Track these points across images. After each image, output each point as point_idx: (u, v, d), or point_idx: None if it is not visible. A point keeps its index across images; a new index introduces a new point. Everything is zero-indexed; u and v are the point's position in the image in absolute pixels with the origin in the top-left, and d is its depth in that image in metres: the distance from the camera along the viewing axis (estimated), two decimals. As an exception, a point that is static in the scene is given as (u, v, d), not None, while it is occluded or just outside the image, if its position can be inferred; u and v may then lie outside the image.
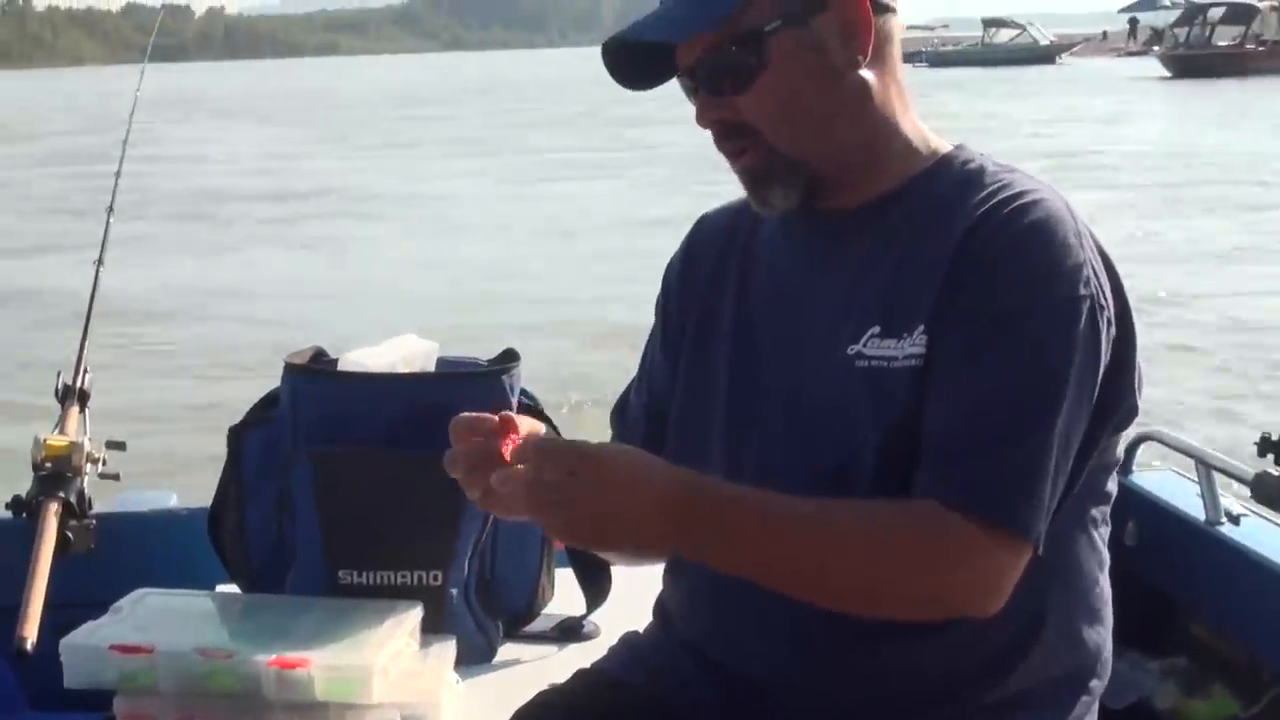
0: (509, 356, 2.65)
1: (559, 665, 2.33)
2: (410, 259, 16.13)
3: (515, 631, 2.70)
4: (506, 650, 2.66)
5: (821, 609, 1.68)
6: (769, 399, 1.83)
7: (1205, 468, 2.73)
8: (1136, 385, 1.77)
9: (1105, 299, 1.70)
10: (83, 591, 2.52)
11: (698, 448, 1.88)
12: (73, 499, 2.71)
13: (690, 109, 1.81)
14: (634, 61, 1.83)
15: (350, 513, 2.54)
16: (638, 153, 28.31)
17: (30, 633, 2.40)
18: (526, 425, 1.82)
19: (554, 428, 2.45)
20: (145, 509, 3.10)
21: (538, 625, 2.73)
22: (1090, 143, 26.85)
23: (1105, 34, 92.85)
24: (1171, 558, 2.79)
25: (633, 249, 15.00)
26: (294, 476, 2.56)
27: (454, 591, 2.56)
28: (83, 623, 2.32)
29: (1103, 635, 1.85)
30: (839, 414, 1.74)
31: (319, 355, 2.69)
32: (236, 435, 2.67)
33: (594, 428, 1.82)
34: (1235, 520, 2.68)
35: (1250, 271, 13.92)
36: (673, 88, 1.86)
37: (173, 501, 3.18)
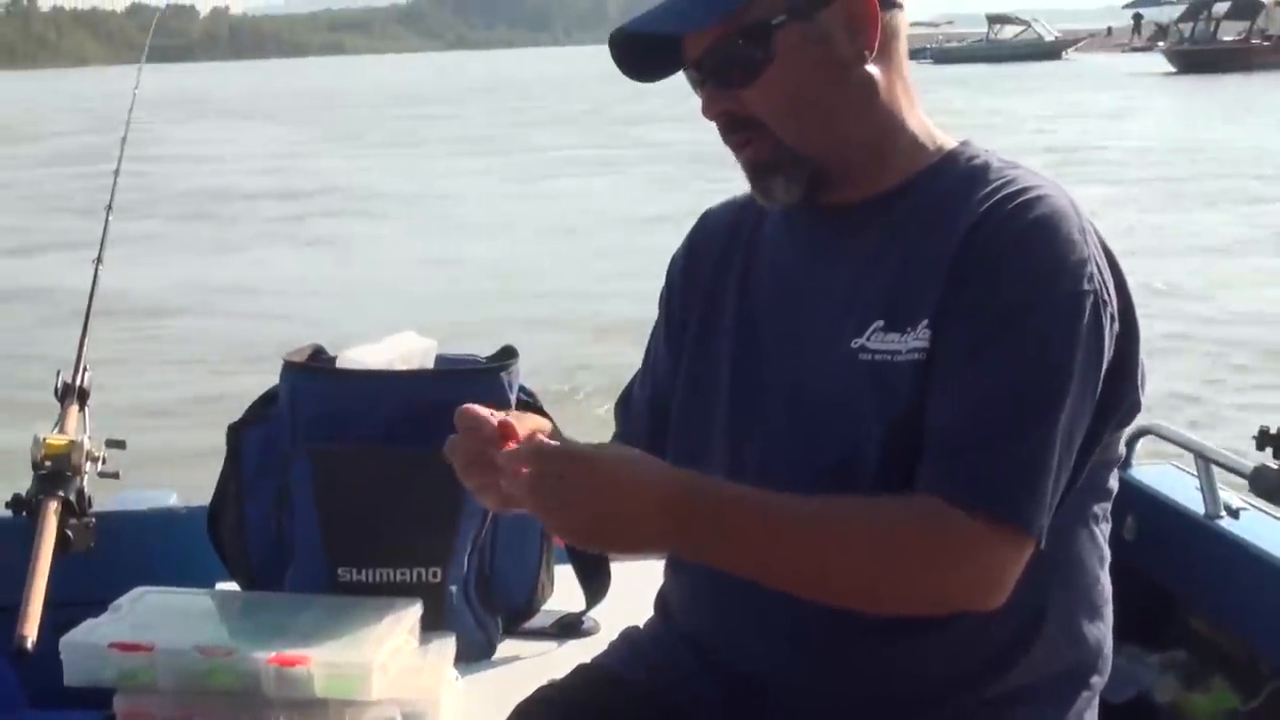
0: (507, 353, 2.65)
1: (559, 661, 2.34)
2: (414, 256, 16.12)
3: (515, 628, 2.70)
4: (506, 647, 2.66)
5: (823, 606, 1.68)
6: (771, 394, 1.83)
7: (1204, 461, 2.73)
8: (1139, 381, 1.77)
9: (1109, 295, 1.70)
10: (82, 590, 2.52)
11: (700, 443, 1.88)
12: (72, 497, 2.71)
13: (693, 106, 1.81)
14: (641, 54, 1.83)
15: (349, 510, 2.55)
16: (641, 150, 28.30)
17: (30, 631, 2.40)
18: (530, 423, 1.82)
19: (553, 424, 2.45)
20: (145, 507, 3.10)
21: (537, 622, 2.73)
22: (1094, 138, 26.82)
23: (1110, 30, 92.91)
24: (1170, 551, 2.78)
25: (635, 245, 15.00)
26: (293, 474, 2.57)
27: (453, 588, 2.57)
28: (83, 621, 2.33)
29: (1103, 631, 1.85)
30: (842, 409, 1.74)
31: (318, 353, 2.70)
32: (235, 433, 2.67)
33: (595, 420, 1.82)
34: (1234, 514, 2.68)
35: (1251, 264, 13.93)
36: (676, 84, 1.86)
37: (172, 500, 3.18)
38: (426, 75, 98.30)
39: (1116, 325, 1.71)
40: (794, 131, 1.77)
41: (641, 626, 2.04)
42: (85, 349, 3.03)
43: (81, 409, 2.94)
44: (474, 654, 2.57)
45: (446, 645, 2.44)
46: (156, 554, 2.89)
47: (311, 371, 2.63)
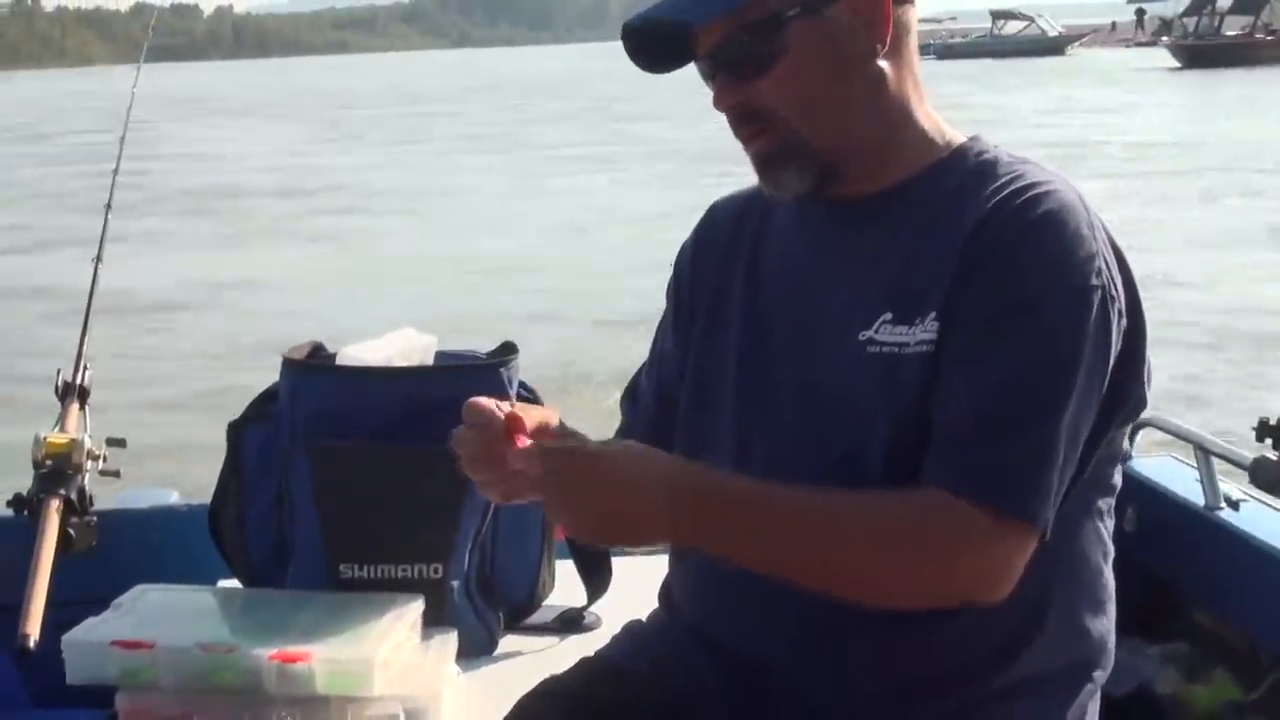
0: (507, 349, 2.65)
1: (560, 656, 2.33)
2: (417, 253, 16.15)
3: (516, 623, 2.70)
4: (508, 642, 2.66)
5: (828, 597, 1.68)
6: (779, 386, 1.83)
7: (1204, 453, 2.73)
8: (1145, 377, 1.78)
9: (1117, 290, 1.71)
10: (84, 588, 2.52)
11: (707, 434, 1.89)
12: (74, 496, 2.72)
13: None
14: (654, 45, 1.83)
15: (350, 507, 2.55)
16: (642, 147, 28.30)
17: (32, 630, 2.41)
18: (537, 414, 1.82)
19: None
20: (146, 505, 3.11)
21: (539, 617, 2.73)
22: (1097, 133, 26.81)
23: (1114, 24, 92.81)
24: (1171, 543, 2.78)
25: (637, 241, 15.04)
26: (293, 471, 2.57)
27: (455, 584, 2.57)
28: (84, 619, 2.32)
29: (1106, 626, 1.85)
30: (849, 401, 1.75)
31: (317, 350, 2.70)
32: (236, 431, 2.67)
33: (598, 415, 1.82)
34: (1234, 505, 2.68)
35: (1250, 258, 13.93)
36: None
37: (173, 498, 3.18)
38: (430, 73, 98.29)
39: (1124, 320, 1.72)
40: (805, 124, 1.77)
41: (645, 619, 2.05)
42: (85, 347, 3.04)
43: (82, 407, 2.94)
44: (475, 650, 2.57)
45: (448, 641, 2.43)
46: (158, 552, 2.89)
47: (311, 369, 2.63)
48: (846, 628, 1.74)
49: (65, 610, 2.42)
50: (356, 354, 2.61)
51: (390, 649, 2.26)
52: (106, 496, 2.97)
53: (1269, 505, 2.68)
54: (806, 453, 1.77)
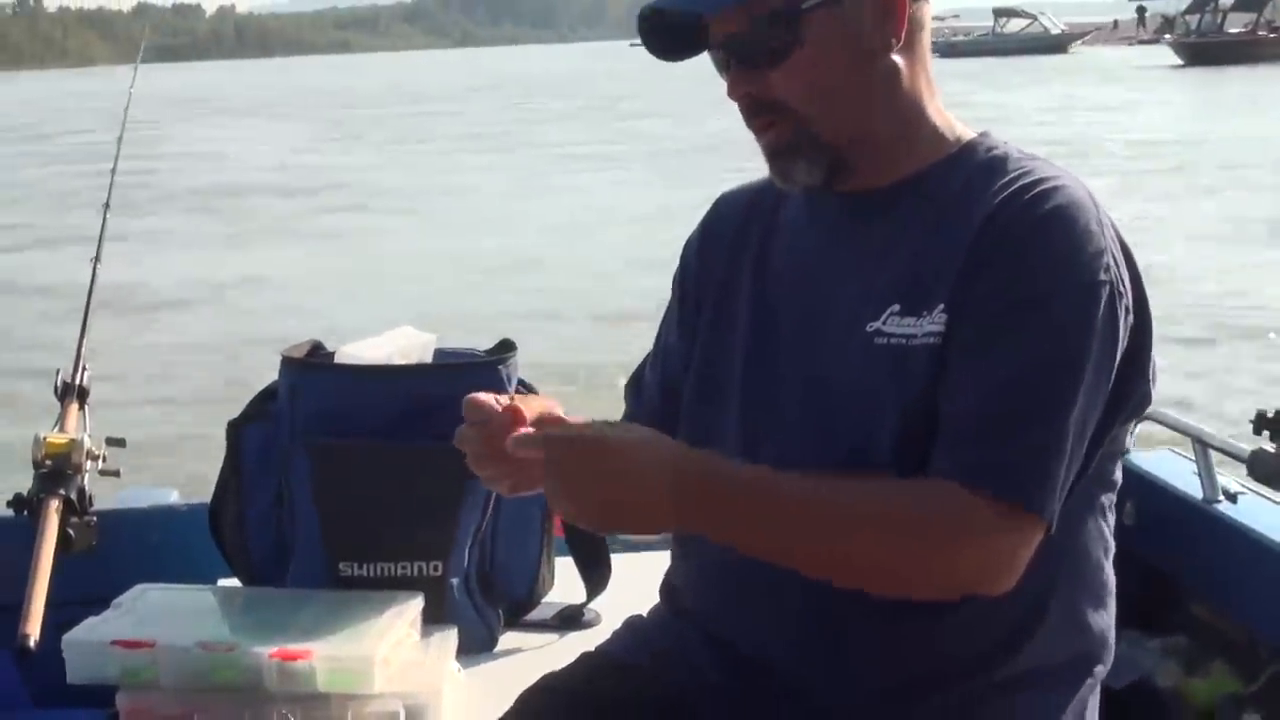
0: (506, 347, 2.66)
1: (560, 653, 2.33)
2: (419, 251, 16.15)
3: (516, 620, 2.70)
4: (507, 639, 2.66)
5: (832, 588, 1.69)
6: (786, 378, 1.83)
7: (1202, 446, 2.74)
8: (1151, 375, 1.78)
9: (1124, 286, 1.71)
10: (84, 588, 2.53)
11: (712, 425, 1.89)
12: (73, 496, 2.72)
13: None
14: (669, 33, 1.84)
15: (349, 505, 2.55)
16: (644, 144, 28.27)
17: (33, 630, 2.41)
18: (538, 404, 1.82)
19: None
20: (145, 505, 3.11)
21: (538, 614, 2.73)
22: (1099, 130, 26.79)
23: (1116, 23, 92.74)
24: (1169, 536, 2.79)
25: (638, 238, 15.05)
26: (293, 470, 2.57)
27: (454, 581, 2.57)
28: (84, 619, 2.33)
29: (1107, 621, 1.86)
30: (857, 393, 1.75)
31: (316, 349, 2.70)
32: (235, 430, 2.67)
33: (598, 411, 1.82)
34: (1232, 498, 2.68)
35: (1250, 253, 13.96)
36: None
37: (173, 497, 3.19)
38: (432, 72, 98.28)
39: (1131, 317, 1.72)
40: (818, 116, 1.78)
41: (645, 615, 2.05)
42: (84, 347, 3.04)
43: (81, 407, 2.95)
44: (476, 647, 2.57)
45: (448, 638, 2.44)
46: (158, 551, 2.89)
47: (310, 367, 2.63)
48: (849, 620, 1.75)
49: (65, 610, 2.42)
50: (355, 352, 2.61)
51: (390, 646, 2.27)
52: (106, 496, 2.97)
53: (1267, 498, 2.69)
54: (814, 450, 1.77)
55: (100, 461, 2.83)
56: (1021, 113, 30.25)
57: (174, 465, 6.72)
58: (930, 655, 1.77)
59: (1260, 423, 2.71)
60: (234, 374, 9.26)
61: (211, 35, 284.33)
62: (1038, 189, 1.73)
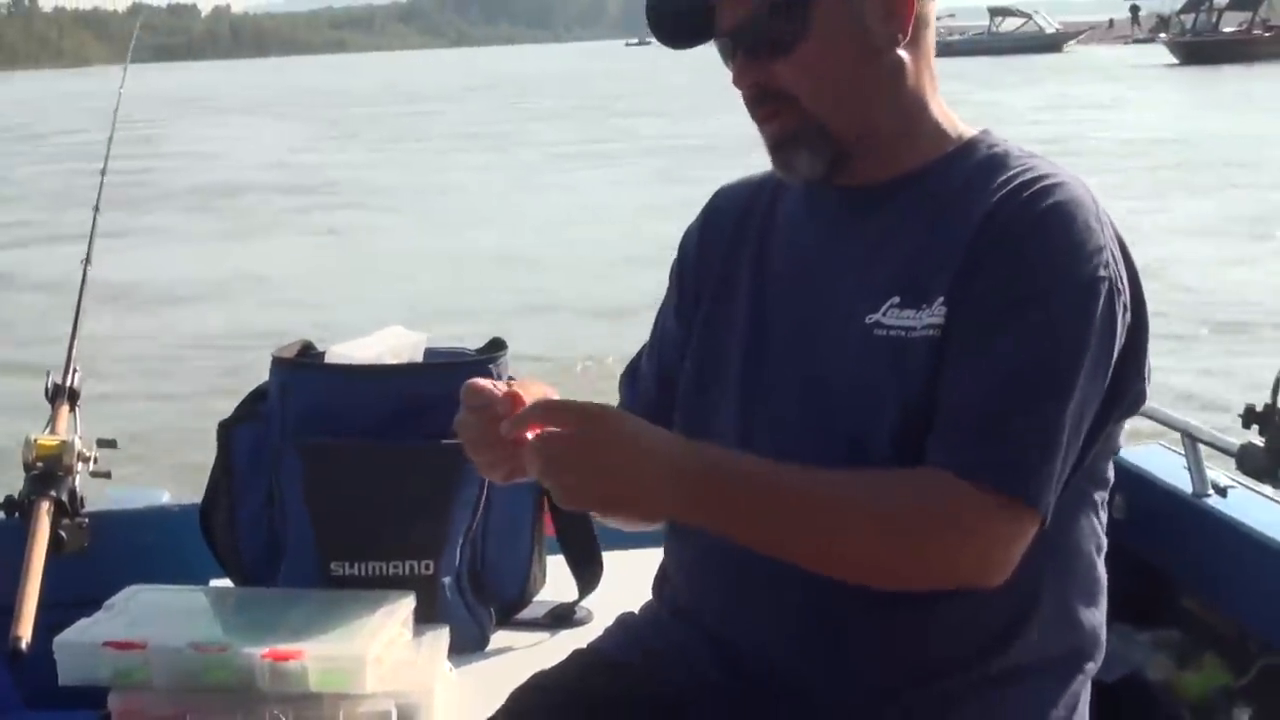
0: (496, 345, 2.66)
1: (552, 651, 2.33)
2: (415, 250, 16.17)
3: (508, 619, 2.70)
4: (499, 638, 2.66)
5: (828, 581, 1.69)
6: (784, 371, 1.83)
7: (1192, 440, 2.74)
8: (1146, 373, 1.79)
9: (1123, 284, 1.72)
10: (76, 590, 2.52)
11: (709, 417, 1.89)
12: (64, 498, 2.72)
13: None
14: (676, 20, 1.84)
15: (341, 505, 2.55)
16: (638, 143, 28.28)
17: (24, 632, 2.41)
18: (536, 389, 1.82)
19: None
20: (136, 506, 3.11)
21: (530, 612, 2.73)
22: (1093, 129, 26.81)
23: (1111, 21, 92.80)
24: (1159, 531, 2.79)
25: (633, 236, 15.09)
26: (283, 470, 2.57)
27: (446, 580, 2.57)
28: (76, 621, 2.32)
29: (1098, 618, 1.86)
30: (856, 386, 1.75)
31: (307, 349, 2.70)
32: (226, 430, 2.67)
33: (589, 400, 1.82)
34: (1222, 492, 2.69)
35: (1242, 248, 14.01)
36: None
37: (164, 498, 3.18)
38: (427, 72, 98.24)
39: (1128, 314, 1.73)
40: (821, 108, 1.79)
41: (636, 612, 2.04)
42: (75, 349, 3.04)
43: (72, 409, 2.95)
44: (468, 645, 2.57)
45: (440, 637, 2.43)
46: (149, 552, 2.89)
47: (301, 367, 2.63)
48: (848, 615, 1.75)
49: (57, 612, 2.42)
50: (346, 352, 2.61)
51: (382, 646, 2.26)
52: (97, 497, 2.97)
53: (1256, 492, 2.70)
54: (812, 444, 1.77)
55: (91, 463, 2.83)
56: (1015, 111, 30.24)
57: (168, 459, 6.73)
58: (925, 649, 1.77)
59: (1249, 417, 2.72)
60: (228, 370, 9.27)
61: (207, 35, 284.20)
62: (1038, 186, 1.73)
